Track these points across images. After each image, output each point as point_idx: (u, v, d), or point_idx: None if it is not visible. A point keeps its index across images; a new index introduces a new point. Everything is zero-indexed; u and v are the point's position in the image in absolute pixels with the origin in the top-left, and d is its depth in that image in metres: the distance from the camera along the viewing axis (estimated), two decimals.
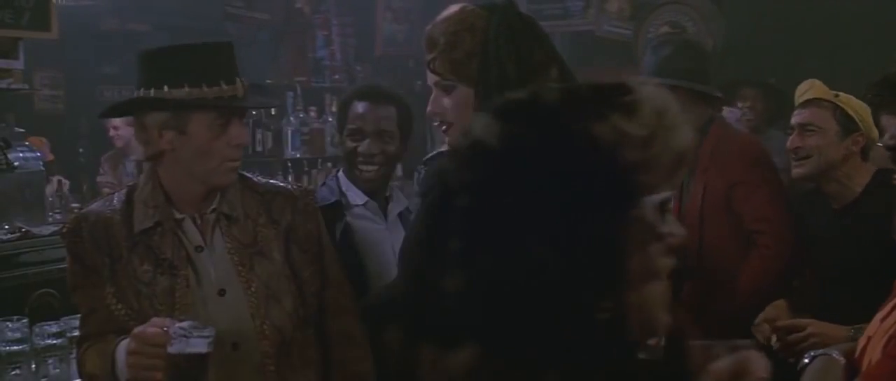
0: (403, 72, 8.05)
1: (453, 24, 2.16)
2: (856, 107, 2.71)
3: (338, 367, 2.31)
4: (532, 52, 2.14)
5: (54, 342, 2.67)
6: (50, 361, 2.66)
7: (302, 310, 2.22)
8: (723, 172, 3.02)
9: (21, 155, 4.75)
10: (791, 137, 2.80)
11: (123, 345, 2.00)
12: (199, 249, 2.16)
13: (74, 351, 2.63)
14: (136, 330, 1.95)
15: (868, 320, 2.33)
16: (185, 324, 1.92)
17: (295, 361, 2.20)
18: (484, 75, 2.11)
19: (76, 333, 2.65)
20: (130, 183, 2.30)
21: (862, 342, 1.87)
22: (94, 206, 2.26)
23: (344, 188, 2.83)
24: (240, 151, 2.17)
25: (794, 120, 2.81)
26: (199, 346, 1.90)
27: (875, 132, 2.67)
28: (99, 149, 7.77)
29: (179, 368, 1.90)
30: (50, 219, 5.22)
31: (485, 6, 2.18)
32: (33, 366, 2.65)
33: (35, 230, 4.64)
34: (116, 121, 7.11)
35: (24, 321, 2.71)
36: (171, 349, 1.90)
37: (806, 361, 1.97)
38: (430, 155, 2.54)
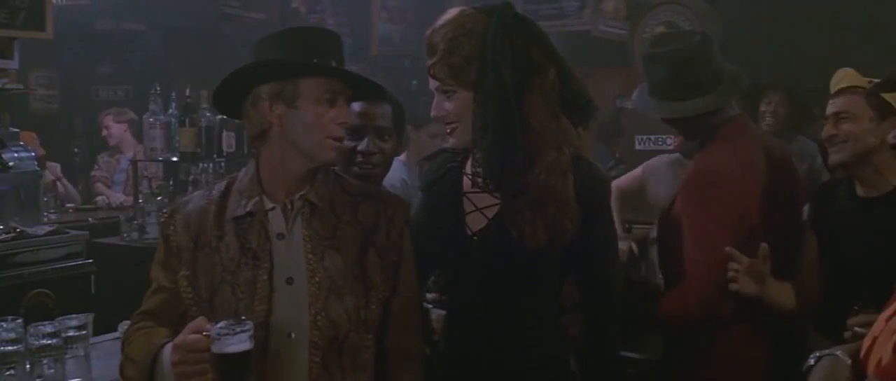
0: (399, 71, 8.06)
1: (452, 30, 2.17)
2: (892, 93, 2.67)
3: None
4: (529, 55, 2.15)
5: (49, 342, 2.65)
6: (45, 361, 2.64)
7: (364, 312, 2.20)
8: (689, 187, 2.85)
9: (16, 155, 4.75)
10: (826, 127, 2.78)
11: (169, 349, 2.03)
12: (280, 236, 2.19)
13: (69, 351, 2.64)
14: (176, 342, 1.99)
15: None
16: (222, 323, 1.95)
17: (346, 361, 2.19)
18: (482, 80, 2.12)
19: (70, 333, 2.66)
20: (227, 179, 2.33)
21: (866, 342, 1.87)
22: (196, 195, 2.33)
23: None
24: (342, 131, 2.20)
25: (828, 110, 2.79)
26: (242, 343, 1.94)
27: None
28: (94, 148, 7.77)
29: (226, 366, 1.94)
30: (45, 219, 5.22)
31: (482, 9, 2.19)
32: (28, 366, 2.64)
33: (30, 230, 4.64)
34: (108, 120, 7.13)
35: (19, 321, 2.70)
36: (216, 349, 1.93)
37: (811, 362, 1.97)
38: (429, 154, 2.55)
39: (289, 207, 2.21)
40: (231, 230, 2.19)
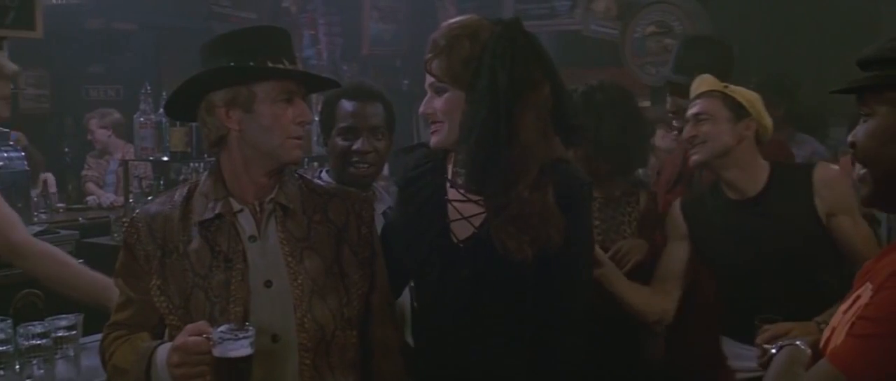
0: (390, 71, 8.05)
1: (458, 29, 2.18)
2: (746, 95, 2.87)
3: (376, 378, 2.31)
4: (528, 69, 2.14)
5: (39, 342, 2.65)
6: (34, 361, 2.64)
7: (347, 310, 2.21)
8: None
9: (6, 155, 4.73)
10: (686, 128, 2.91)
11: (162, 351, 2.03)
12: (252, 238, 2.18)
13: (58, 352, 2.63)
14: (177, 343, 1.98)
15: (774, 314, 2.49)
16: (224, 327, 1.96)
17: (334, 360, 2.19)
18: (476, 81, 2.12)
19: (60, 333, 2.65)
20: (194, 180, 2.32)
21: (826, 333, 1.92)
22: (156, 202, 2.31)
23: None
24: (303, 129, 2.19)
25: (688, 112, 2.92)
26: (243, 348, 1.94)
27: (767, 120, 2.86)
28: (84, 148, 7.75)
29: (226, 371, 1.94)
30: (35, 219, 5.20)
31: (493, 19, 2.21)
32: (18, 367, 2.63)
33: None
34: (93, 124, 7.12)
35: (9, 321, 2.70)
36: (217, 353, 1.93)
37: (773, 351, 2.01)
38: (406, 146, 2.54)
39: (258, 209, 2.20)
40: (199, 234, 2.16)
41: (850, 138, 1.89)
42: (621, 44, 6.59)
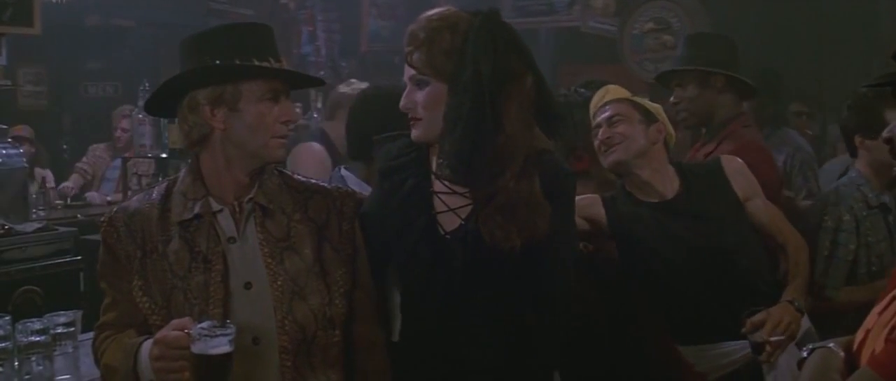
0: (388, 68, 8.05)
1: (436, 21, 2.19)
2: (650, 104, 2.97)
3: (360, 376, 2.29)
4: (509, 59, 2.15)
5: (37, 339, 2.65)
6: (33, 358, 2.64)
7: (329, 310, 2.19)
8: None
9: (3, 152, 4.72)
10: (600, 132, 2.92)
11: (147, 346, 2.03)
12: (231, 240, 2.17)
13: (57, 348, 2.63)
14: (158, 336, 1.99)
15: (703, 317, 2.74)
16: (205, 324, 1.95)
17: (315, 360, 2.19)
18: (459, 73, 2.13)
19: (59, 330, 2.66)
20: (171, 177, 2.31)
21: (860, 335, 1.90)
22: (134, 199, 2.28)
23: (351, 184, 2.83)
24: (288, 129, 2.19)
25: (599, 118, 2.94)
26: (222, 345, 1.94)
27: (672, 129, 2.97)
28: (83, 145, 7.73)
29: (203, 368, 1.94)
30: (33, 216, 5.20)
31: (470, 10, 2.21)
32: (16, 364, 2.63)
33: (18, 228, 4.62)
34: (126, 123, 7.06)
35: (7, 318, 2.70)
36: (195, 349, 1.93)
37: (804, 354, 2.00)
38: (383, 135, 2.54)
39: (237, 209, 2.18)
40: (178, 234, 2.15)
41: (885, 134, 1.89)
42: (620, 40, 6.59)
